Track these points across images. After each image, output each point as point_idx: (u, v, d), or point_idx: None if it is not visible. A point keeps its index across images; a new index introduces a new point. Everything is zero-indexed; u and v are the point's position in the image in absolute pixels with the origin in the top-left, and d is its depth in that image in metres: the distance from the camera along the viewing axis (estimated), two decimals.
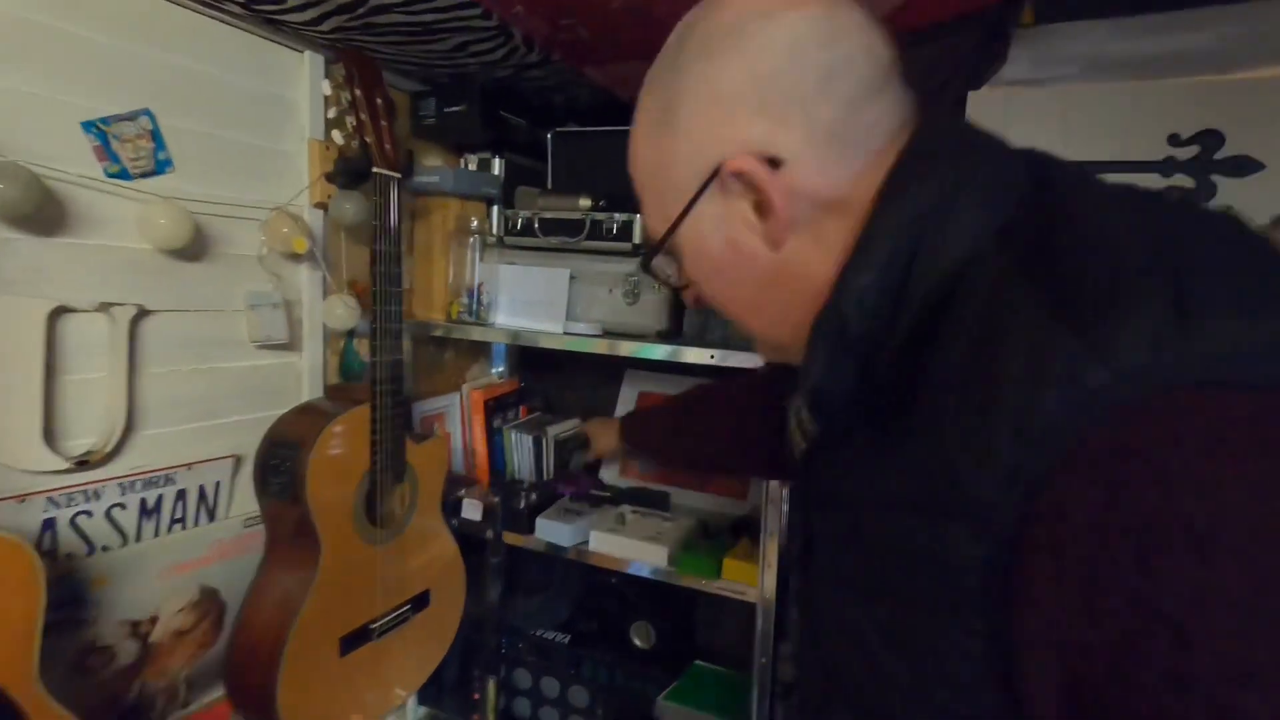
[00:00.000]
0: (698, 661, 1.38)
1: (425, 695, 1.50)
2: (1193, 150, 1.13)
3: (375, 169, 1.05)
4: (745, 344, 1.12)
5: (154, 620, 0.98)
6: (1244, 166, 1.10)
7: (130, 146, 0.93)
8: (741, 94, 0.45)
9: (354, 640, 1.08)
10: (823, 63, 0.44)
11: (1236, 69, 1.11)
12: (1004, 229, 0.40)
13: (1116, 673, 0.30)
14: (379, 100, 1.07)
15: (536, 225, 1.29)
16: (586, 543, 1.26)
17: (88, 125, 0.89)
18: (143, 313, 0.96)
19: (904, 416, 0.41)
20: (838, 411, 0.47)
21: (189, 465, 1.02)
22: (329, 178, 1.15)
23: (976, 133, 0.46)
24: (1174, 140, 1.14)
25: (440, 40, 1.10)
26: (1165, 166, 1.15)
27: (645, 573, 1.21)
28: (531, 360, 1.73)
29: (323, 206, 1.17)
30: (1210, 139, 1.12)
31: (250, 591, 1.03)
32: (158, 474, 0.98)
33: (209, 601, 1.05)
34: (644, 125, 0.50)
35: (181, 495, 1.02)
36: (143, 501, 0.97)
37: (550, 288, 1.29)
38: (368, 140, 1.05)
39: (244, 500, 1.09)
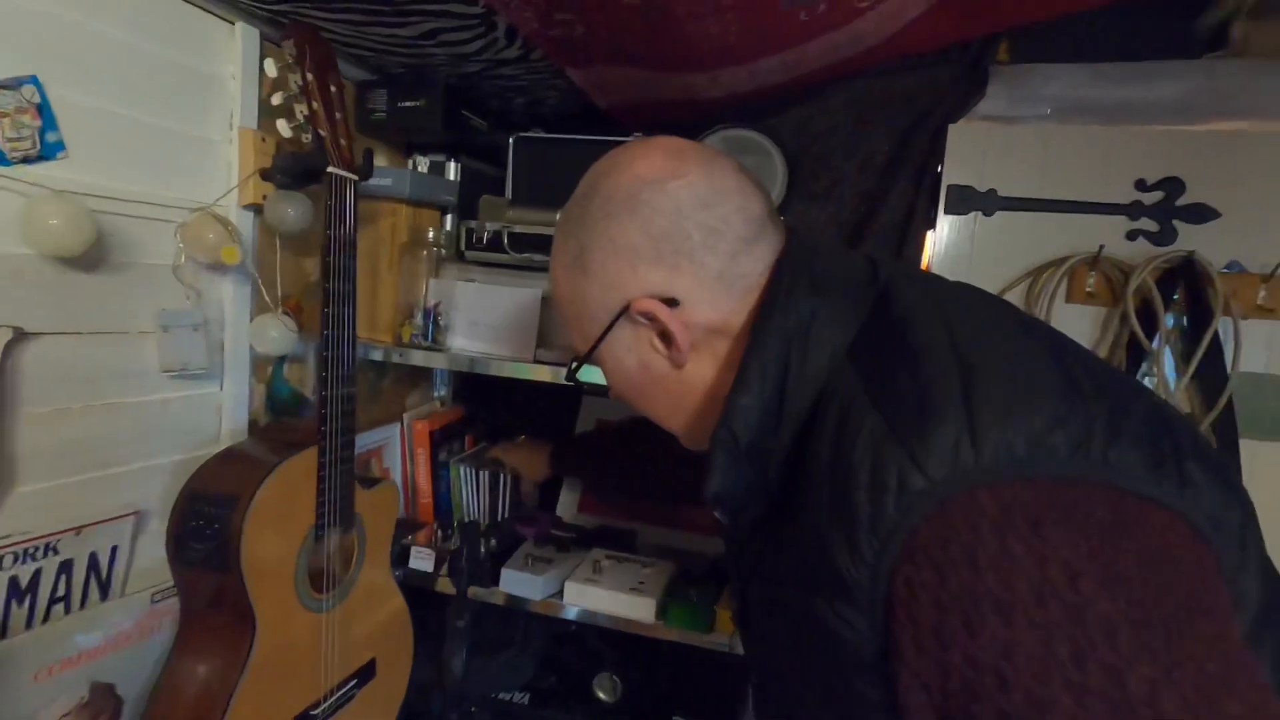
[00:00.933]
0: (675, 718, 1.28)
1: None
2: (1157, 195, 1.18)
3: (330, 169, 0.89)
4: None
5: None
6: (1203, 214, 1.16)
7: (8, 123, 0.72)
8: (640, 249, 0.53)
9: None
10: (704, 222, 0.53)
11: (1197, 120, 1.17)
12: (852, 347, 0.49)
13: (967, 710, 0.38)
14: (333, 88, 0.91)
15: (505, 240, 1.15)
16: (559, 594, 1.13)
17: None
18: (21, 336, 0.74)
19: (794, 510, 0.50)
20: (738, 508, 0.55)
21: (77, 529, 0.80)
22: (265, 175, 0.96)
23: (830, 255, 0.55)
24: (1140, 185, 1.18)
25: (409, 24, 0.95)
26: (1132, 210, 1.19)
27: (633, 629, 1.09)
28: (475, 385, 1.57)
29: (255, 208, 0.98)
30: (1173, 186, 1.17)
31: (162, 683, 0.83)
32: (35, 543, 0.76)
33: (103, 700, 0.83)
34: (562, 262, 0.59)
35: (66, 568, 0.80)
36: (12, 581, 0.75)
37: (519, 311, 1.15)
38: (321, 134, 0.89)
39: (148, 568, 0.88)
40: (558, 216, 1.16)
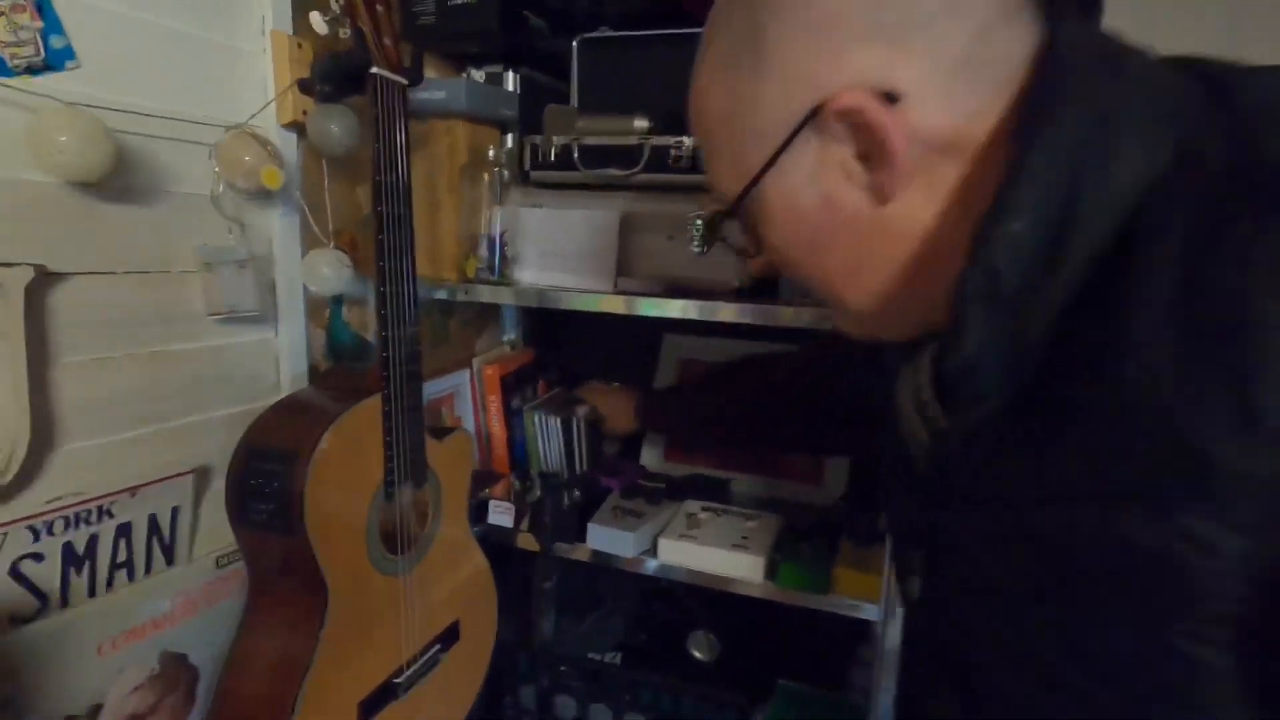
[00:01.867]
0: (782, 681, 1.17)
1: None
2: None
3: (374, 70, 0.75)
4: None
5: (96, 711, 0.70)
6: None
7: (3, 23, 0.62)
8: (849, 16, 0.38)
9: (376, 702, 0.83)
10: None
11: None
12: (1184, 152, 0.34)
13: None
14: None
15: (576, 155, 1.00)
16: (653, 550, 1.02)
17: None
18: (45, 275, 0.66)
19: (1079, 391, 0.36)
20: (990, 390, 0.40)
21: (132, 490, 0.73)
22: (304, 87, 0.84)
23: (1123, 46, 0.38)
24: None
25: None
26: None
27: (736, 589, 0.98)
28: (547, 325, 1.46)
29: (297, 127, 0.86)
30: None
31: (234, 654, 0.76)
32: (88, 505, 0.69)
33: (174, 671, 0.77)
34: (714, 63, 0.43)
35: (125, 532, 0.73)
36: (68, 548, 0.68)
37: (595, 235, 1.01)
38: (362, 28, 0.75)
39: (215, 530, 0.81)
40: (635, 123, 1.01)
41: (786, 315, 0.90)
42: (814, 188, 0.41)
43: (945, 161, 0.39)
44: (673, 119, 1.01)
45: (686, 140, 0.95)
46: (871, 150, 0.39)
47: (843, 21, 0.38)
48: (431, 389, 1.18)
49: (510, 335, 1.43)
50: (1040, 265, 0.36)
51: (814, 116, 0.39)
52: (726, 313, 0.93)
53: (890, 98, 0.37)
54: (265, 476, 0.72)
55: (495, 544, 1.09)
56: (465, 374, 1.25)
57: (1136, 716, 0.37)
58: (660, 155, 0.97)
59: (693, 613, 1.24)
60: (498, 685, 1.22)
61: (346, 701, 0.79)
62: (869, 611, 0.91)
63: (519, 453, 1.29)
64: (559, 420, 1.24)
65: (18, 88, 0.62)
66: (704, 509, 1.09)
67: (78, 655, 0.68)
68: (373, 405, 0.79)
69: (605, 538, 1.02)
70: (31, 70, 0.64)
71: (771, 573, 0.96)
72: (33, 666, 0.64)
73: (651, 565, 1.02)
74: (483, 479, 1.19)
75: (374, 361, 0.81)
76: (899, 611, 0.90)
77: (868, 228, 0.41)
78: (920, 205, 0.40)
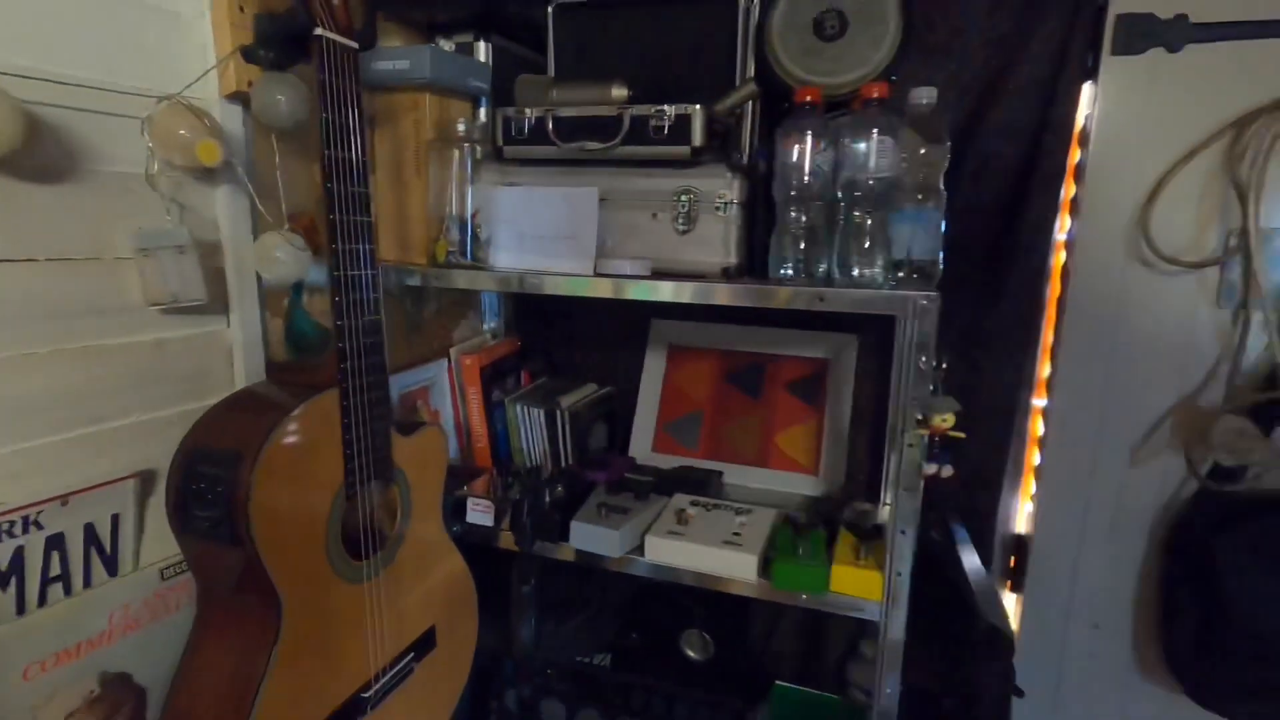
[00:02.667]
0: (779, 683, 1.12)
1: None
2: None
3: (319, 31, 0.68)
4: (870, 280, 0.81)
5: None
6: None
7: None
8: None
9: (346, 717, 0.77)
10: None
11: None
12: None
13: None
14: None
15: (551, 127, 0.93)
16: (640, 549, 0.96)
17: None
18: None
19: None
20: None
21: (63, 499, 0.67)
22: (247, 54, 0.77)
23: None
24: None
25: None
26: None
27: (731, 589, 0.92)
28: (531, 311, 1.39)
29: (241, 98, 0.79)
30: None
31: (182, 672, 0.70)
32: (9, 517, 0.63)
33: (117, 693, 0.71)
34: None
35: (57, 543, 0.67)
36: None
37: (574, 214, 0.94)
38: None
39: (162, 538, 0.75)
40: (613, 92, 0.94)
41: (782, 296, 0.83)
42: None
43: None
44: (654, 87, 0.94)
45: (668, 109, 0.88)
46: None
47: None
48: (405, 380, 1.11)
49: (491, 324, 1.36)
50: None
51: None
52: (721, 294, 0.87)
53: None
54: (207, 480, 0.66)
55: (475, 544, 1.03)
56: (443, 364, 1.19)
57: None
58: (640, 126, 0.89)
59: (685, 610, 1.18)
60: (482, 691, 1.16)
61: (310, 717, 0.73)
62: (870, 611, 0.86)
63: (501, 447, 1.23)
64: (543, 412, 1.19)
65: None
66: (693, 504, 1.03)
67: (3, 682, 0.62)
68: (329, 400, 0.72)
69: (589, 536, 0.96)
70: None
71: (765, 571, 0.90)
72: None
73: (638, 565, 0.96)
74: (462, 474, 1.13)
75: (331, 353, 0.74)
76: (902, 606, 0.84)
77: None
78: None
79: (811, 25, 0.96)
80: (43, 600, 0.66)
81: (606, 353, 1.36)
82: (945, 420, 0.76)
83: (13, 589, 0.64)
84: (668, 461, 1.22)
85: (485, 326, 1.35)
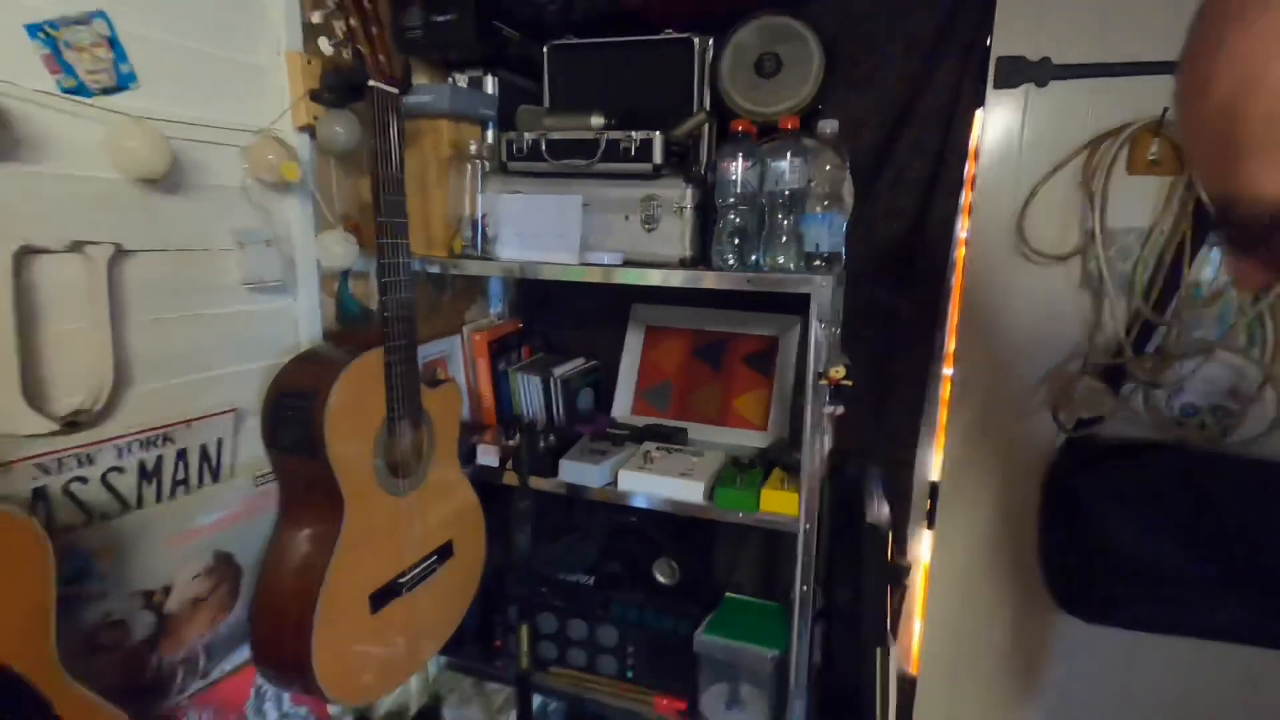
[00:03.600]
0: (729, 594, 1.37)
1: (448, 647, 1.46)
2: None
3: (371, 83, 0.93)
4: (785, 267, 1.06)
5: (167, 590, 0.90)
6: None
7: (86, 56, 0.80)
8: None
9: (384, 596, 1.02)
10: None
11: None
12: None
13: None
14: (368, 2, 0.94)
15: (544, 148, 1.18)
16: (614, 483, 1.22)
17: (33, 29, 0.75)
18: (121, 253, 0.84)
19: None
20: None
21: (187, 423, 0.92)
22: (314, 96, 1.02)
23: None
24: None
25: None
26: None
27: (680, 509, 1.17)
28: (531, 299, 1.64)
29: (309, 130, 1.04)
30: None
31: (269, 554, 0.96)
32: (155, 433, 0.89)
33: (224, 567, 0.97)
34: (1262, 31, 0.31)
35: (182, 455, 0.92)
36: (141, 464, 0.87)
37: (562, 216, 1.19)
38: (361, 49, 0.93)
39: (249, 457, 1.01)
40: (592, 120, 1.19)
41: (720, 280, 1.08)
42: None
43: None
44: (627, 115, 1.19)
45: (635, 134, 1.13)
46: None
47: None
48: (427, 351, 1.37)
49: (497, 308, 1.61)
50: None
51: None
52: (676, 279, 1.11)
53: None
54: (293, 410, 0.92)
55: (484, 483, 1.28)
56: (456, 340, 1.44)
57: None
58: (613, 147, 1.14)
59: (656, 543, 1.43)
60: (490, 605, 1.42)
61: (359, 594, 0.98)
62: (790, 525, 1.10)
63: (505, 409, 1.48)
64: (539, 379, 1.44)
65: (98, 105, 0.80)
66: (659, 448, 1.28)
67: (151, 546, 0.87)
68: (376, 356, 0.98)
69: (575, 471, 1.22)
70: (105, 91, 0.82)
71: (711, 496, 1.15)
72: (122, 550, 0.84)
73: (614, 494, 1.21)
74: (472, 428, 1.38)
75: (377, 321, 0.99)
76: (814, 521, 1.09)
77: None
78: None
79: (753, 65, 1.21)
80: (173, 494, 0.91)
81: (594, 332, 1.60)
82: (838, 372, 1.01)
83: (154, 485, 0.89)
84: (643, 421, 1.47)
85: (492, 310, 1.60)
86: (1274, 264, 0.35)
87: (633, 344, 1.55)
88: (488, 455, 1.28)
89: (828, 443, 1.13)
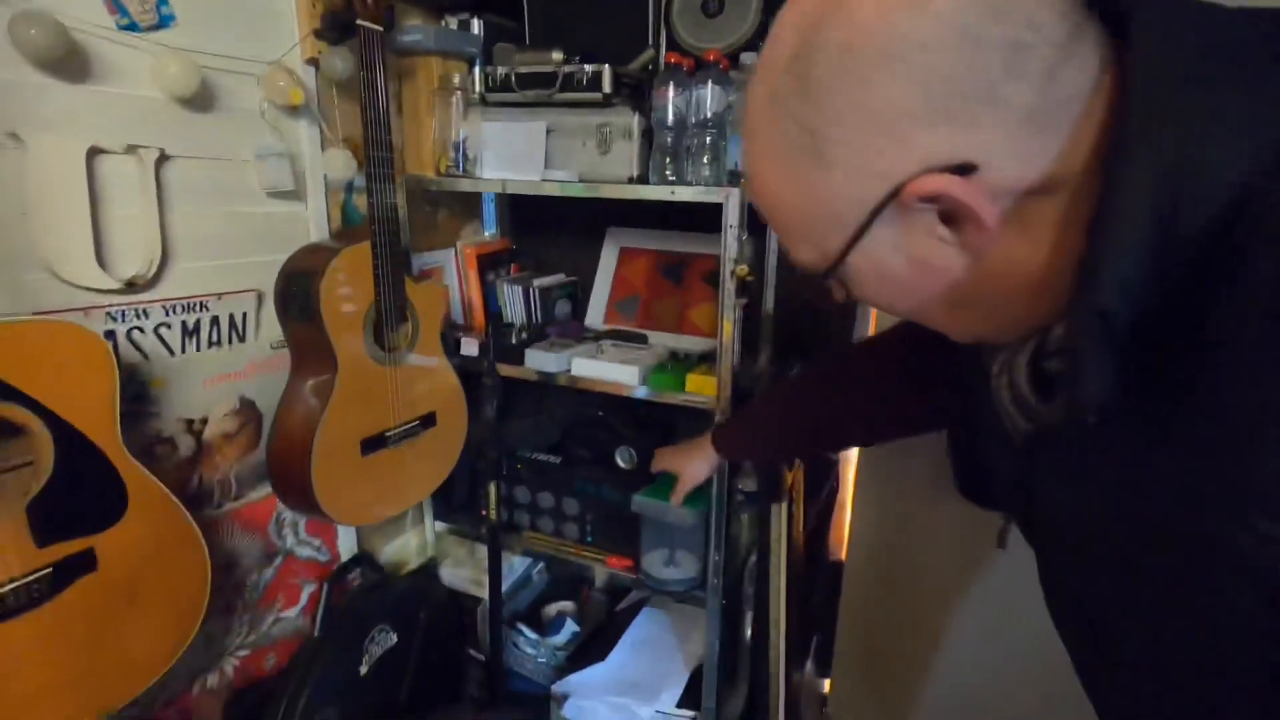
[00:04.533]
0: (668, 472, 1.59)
1: (441, 513, 1.73)
2: None
3: (359, 21, 1.15)
4: (713, 179, 1.24)
5: (205, 421, 1.18)
6: None
7: (135, 1, 1.03)
8: (911, 110, 0.38)
9: (373, 444, 1.28)
10: (1004, 39, 0.36)
11: None
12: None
13: None
14: None
15: (514, 80, 1.38)
16: (569, 369, 1.44)
17: None
18: (165, 157, 1.09)
19: (1180, 403, 0.37)
20: (1102, 404, 0.39)
21: (219, 295, 1.18)
22: (317, 34, 1.24)
23: (1210, 22, 0.37)
24: None
25: None
26: None
27: (621, 390, 1.38)
28: (521, 222, 1.86)
29: (314, 63, 1.26)
30: None
31: (282, 401, 1.22)
32: (194, 300, 1.15)
33: (248, 410, 1.24)
34: (771, 158, 0.43)
35: (215, 321, 1.18)
36: (184, 324, 1.14)
37: (529, 140, 1.40)
38: None
39: (269, 330, 1.26)
40: (553, 55, 1.37)
41: (653, 193, 1.27)
42: (901, 255, 0.43)
43: (1040, 201, 0.39)
44: (588, 52, 1.37)
45: (587, 67, 1.32)
46: (957, 216, 0.40)
47: (903, 113, 0.38)
48: (424, 261, 1.60)
49: (491, 230, 1.84)
50: (1148, 296, 0.36)
51: (890, 200, 0.40)
52: (620, 191, 1.31)
53: (965, 169, 0.37)
54: (298, 285, 1.16)
55: (470, 372, 1.52)
56: (450, 253, 1.67)
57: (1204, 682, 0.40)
58: (570, 79, 1.33)
59: (619, 433, 1.65)
60: (478, 479, 1.68)
61: (351, 438, 1.24)
62: (708, 404, 1.31)
63: (493, 314, 1.71)
64: (520, 288, 1.66)
65: (145, 40, 1.04)
66: (613, 345, 1.49)
67: (192, 383, 1.15)
68: (364, 248, 1.21)
69: (538, 359, 1.44)
70: (151, 28, 1.06)
71: (645, 380, 1.37)
72: (170, 383, 1.11)
73: (568, 378, 1.43)
74: (459, 328, 1.62)
75: (366, 222, 1.22)
76: (729, 404, 1.29)
77: (963, 279, 0.42)
78: (1017, 245, 0.40)
79: (700, 7, 1.37)
80: (209, 348, 1.18)
81: (576, 253, 1.81)
82: (743, 269, 1.19)
83: (194, 340, 1.16)
84: (611, 328, 1.68)
85: (486, 232, 1.83)
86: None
87: (607, 262, 1.76)
88: (470, 346, 1.52)
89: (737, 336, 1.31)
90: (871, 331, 1.56)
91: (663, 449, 1.27)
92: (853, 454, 1.63)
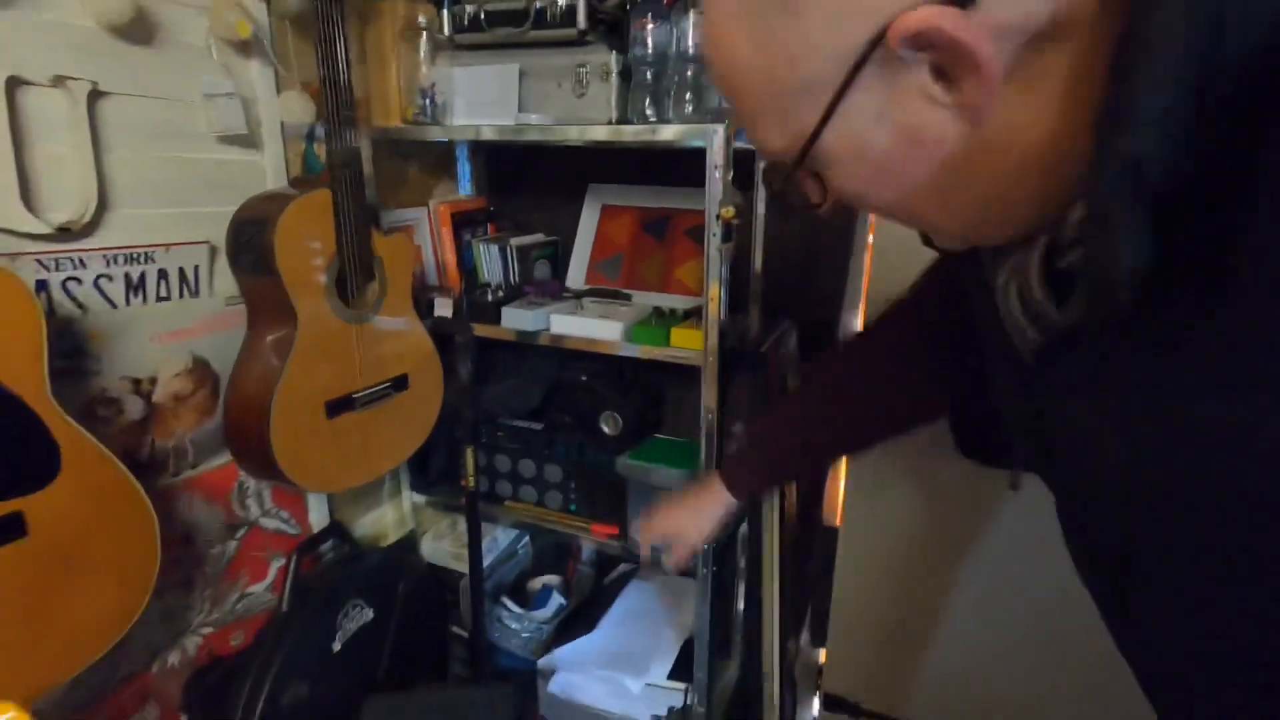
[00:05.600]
0: (656, 435, 1.52)
1: (420, 485, 1.66)
2: None
3: None
4: (696, 117, 1.17)
5: (153, 381, 1.10)
6: None
7: None
8: None
9: (339, 406, 1.20)
10: None
11: None
12: None
13: None
14: None
15: (483, 18, 1.29)
16: (548, 328, 1.36)
17: None
18: (99, 92, 1.00)
19: (1217, 285, 0.31)
20: (1131, 288, 0.33)
21: (166, 246, 1.10)
22: None
23: None
24: None
25: None
26: None
27: (603, 347, 1.31)
28: (497, 181, 1.77)
29: None
30: None
31: (238, 359, 1.14)
32: (138, 250, 1.06)
33: (202, 370, 1.16)
34: (736, 12, 0.37)
35: (163, 274, 1.10)
36: (127, 276, 1.05)
37: (501, 84, 1.31)
38: None
39: (224, 284, 1.18)
40: (561, 0, 1.29)
41: (631, 134, 1.19)
42: (886, 125, 0.36)
43: (1048, 50, 0.33)
44: None
45: (560, 1, 1.23)
46: (953, 66, 0.33)
47: None
48: (395, 218, 1.52)
49: (466, 190, 1.75)
50: (1186, 141, 0.30)
51: (874, 49, 0.34)
52: (596, 134, 1.23)
53: (963, 1, 0.32)
54: (250, 235, 1.08)
55: (445, 335, 1.44)
56: (423, 211, 1.59)
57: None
58: (541, 14, 1.25)
59: (603, 397, 1.58)
60: (456, 448, 1.61)
61: (315, 399, 1.16)
62: (693, 359, 1.24)
63: (469, 276, 1.63)
64: (497, 247, 1.58)
65: None
66: (594, 302, 1.42)
67: (137, 338, 1.06)
68: (324, 195, 1.13)
69: (515, 317, 1.37)
70: None
71: (628, 336, 1.29)
72: (112, 338, 1.03)
73: (548, 336, 1.36)
74: (433, 289, 1.54)
75: (325, 169, 1.14)
76: (713, 357, 1.22)
77: (958, 149, 0.36)
78: (1022, 108, 0.34)
79: None
80: (157, 303, 1.10)
81: (556, 212, 1.73)
82: (729, 211, 1.12)
83: (140, 294, 1.07)
84: (592, 287, 1.60)
85: (462, 192, 1.74)
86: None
87: (588, 220, 1.68)
88: (444, 307, 1.44)
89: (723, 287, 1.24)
90: (865, 285, 1.48)
91: (654, 510, 0.98)
92: None
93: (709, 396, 1.24)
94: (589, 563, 1.85)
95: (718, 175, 1.13)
